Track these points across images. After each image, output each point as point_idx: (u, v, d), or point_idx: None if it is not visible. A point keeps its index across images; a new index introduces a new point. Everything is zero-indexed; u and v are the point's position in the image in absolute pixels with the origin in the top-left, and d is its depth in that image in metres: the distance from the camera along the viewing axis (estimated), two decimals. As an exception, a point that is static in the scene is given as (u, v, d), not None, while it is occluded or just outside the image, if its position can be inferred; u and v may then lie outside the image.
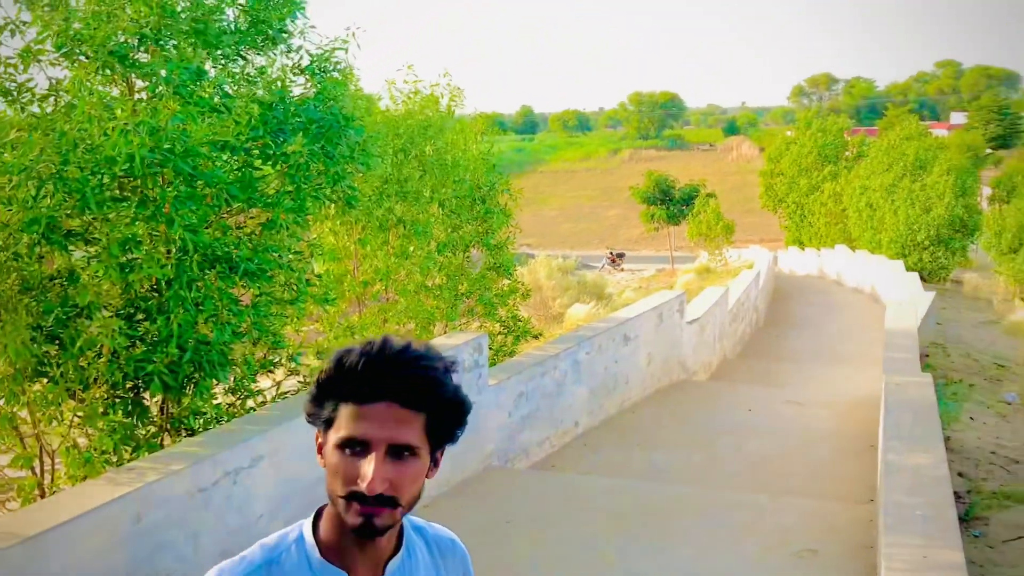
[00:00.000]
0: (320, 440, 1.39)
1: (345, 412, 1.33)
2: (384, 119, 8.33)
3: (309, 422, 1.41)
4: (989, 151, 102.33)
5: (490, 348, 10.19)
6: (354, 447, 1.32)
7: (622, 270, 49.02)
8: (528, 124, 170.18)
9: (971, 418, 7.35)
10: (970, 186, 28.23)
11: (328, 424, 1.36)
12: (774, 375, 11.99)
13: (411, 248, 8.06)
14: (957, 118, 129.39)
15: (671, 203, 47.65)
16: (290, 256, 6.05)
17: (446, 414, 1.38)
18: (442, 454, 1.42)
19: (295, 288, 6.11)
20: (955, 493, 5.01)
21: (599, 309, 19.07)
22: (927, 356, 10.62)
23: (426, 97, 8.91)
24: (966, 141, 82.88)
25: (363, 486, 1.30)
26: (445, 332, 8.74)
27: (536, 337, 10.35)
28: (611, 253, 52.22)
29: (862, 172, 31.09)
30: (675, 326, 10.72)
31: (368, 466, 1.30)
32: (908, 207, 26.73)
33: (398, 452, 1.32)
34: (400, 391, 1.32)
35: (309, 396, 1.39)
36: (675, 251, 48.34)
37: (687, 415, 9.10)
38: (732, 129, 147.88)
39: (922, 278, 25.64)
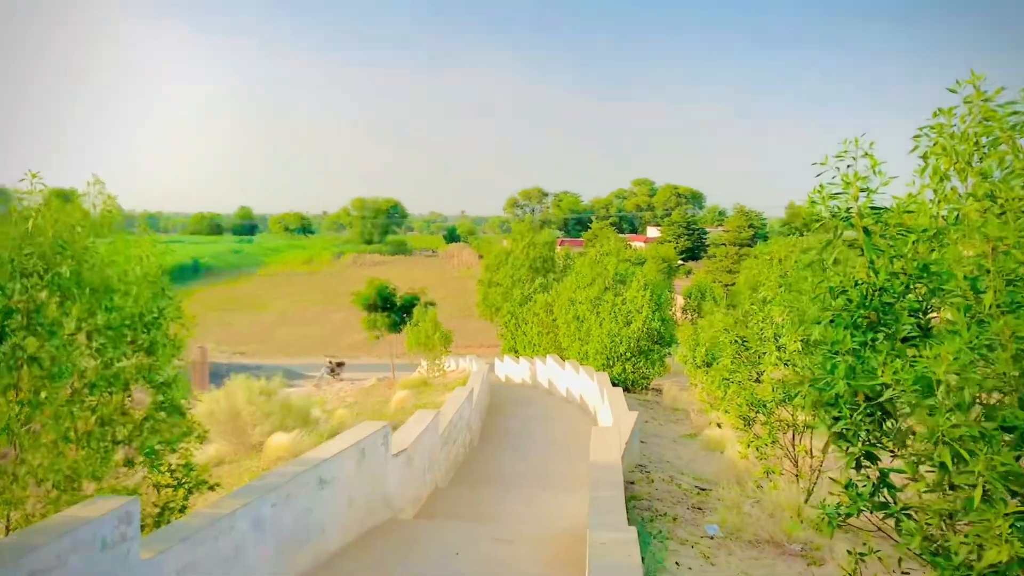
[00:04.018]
0: None
1: None
2: (5, 237, 6.81)
3: None
4: (680, 262, 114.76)
5: (156, 505, 8.70)
6: None
7: (341, 379, 47.66)
8: (247, 226, 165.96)
9: (676, 563, 7.15)
10: (665, 299, 30.54)
11: None
12: (485, 505, 11.45)
13: (44, 394, 6.52)
14: (653, 232, 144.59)
15: (392, 310, 47.48)
16: None
17: None
18: None
19: None
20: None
21: (304, 436, 17.73)
22: (632, 483, 10.62)
23: (67, 208, 7.49)
24: (660, 253, 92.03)
25: None
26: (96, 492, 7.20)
27: (213, 488, 8.97)
28: (331, 362, 50.80)
29: (569, 285, 32.71)
30: (380, 461, 9.90)
31: None
32: (611, 320, 28.30)
33: None
34: None
35: None
36: (396, 359, 47.87)
37: (387, 566, 8.19)
38: (453, 236, 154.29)
39: (626, 388, 27.00)
